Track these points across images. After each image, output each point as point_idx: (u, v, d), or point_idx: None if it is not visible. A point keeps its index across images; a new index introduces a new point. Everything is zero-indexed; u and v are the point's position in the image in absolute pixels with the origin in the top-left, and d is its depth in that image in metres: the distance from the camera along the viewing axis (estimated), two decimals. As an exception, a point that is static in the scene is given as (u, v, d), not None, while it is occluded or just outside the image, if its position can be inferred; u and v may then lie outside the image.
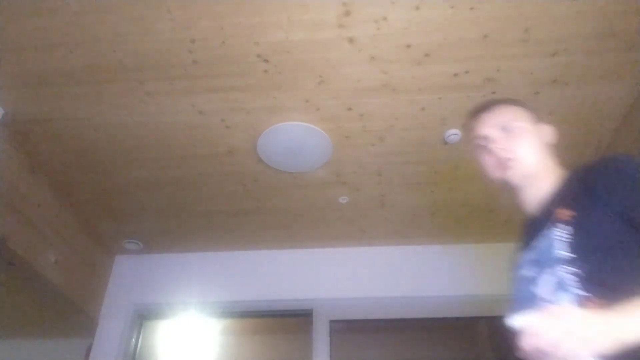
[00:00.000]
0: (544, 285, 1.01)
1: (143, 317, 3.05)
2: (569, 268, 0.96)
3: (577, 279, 0.95)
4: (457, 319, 2.87)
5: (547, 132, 1.21)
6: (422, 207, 2.72)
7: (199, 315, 3.02)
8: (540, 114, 1.25)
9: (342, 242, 3.05)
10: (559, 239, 1.00)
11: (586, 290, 0.92)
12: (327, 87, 2.00)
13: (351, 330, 2.94)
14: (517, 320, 0.83)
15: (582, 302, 0.92)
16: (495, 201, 2.66)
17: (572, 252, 0.97)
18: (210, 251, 3.15)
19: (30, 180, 2.39)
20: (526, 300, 1.04)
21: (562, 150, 2.29)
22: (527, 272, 1.08)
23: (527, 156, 1.14)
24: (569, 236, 0.99)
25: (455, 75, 1.94)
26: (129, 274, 3.12)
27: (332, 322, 2.86)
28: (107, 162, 2.41)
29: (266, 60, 1.89)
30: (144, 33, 1.80)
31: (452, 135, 2.21)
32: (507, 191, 1.20)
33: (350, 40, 1.82)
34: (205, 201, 2.69)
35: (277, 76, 1.96)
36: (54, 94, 2.04)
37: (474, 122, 1.24)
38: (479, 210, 2.73)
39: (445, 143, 2.27)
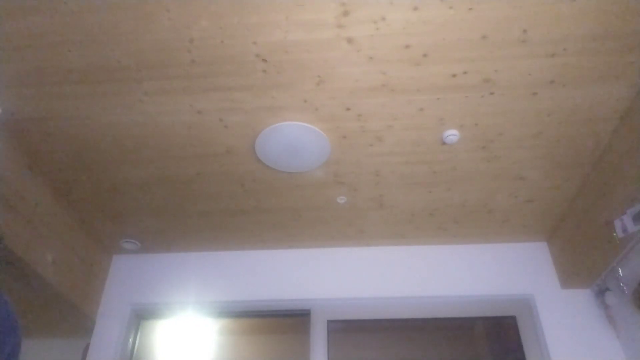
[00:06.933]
0: None
1: (140, 316, 3.05)
2: None
3: None
4: (456, 319, 2.87)
5: None
6: (420, 208, 2.73)
7: (197, 315, 3.02)
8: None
9: (340, 242, 3.05)
10: None
11: None
12: (325, 87, 2.00)
13: (349, 330, 2.94)
14: None
15: None
16: (494, 201, 2.67)
17: None
18: (208, 251, 3.15)
19: (28, 180, 2.38)
20: None
21: (560, 151, 2.31)
22: None
23: None
24: None
25: (454, 75, 1.94)
26: (126, 273, 3.12)
27: (329, 322, 2.86)
28: (105, 162, 2.40)
29: (265, 60, 1.89)
30: (142, 32, 1.80)
31: (450, 135, 2.21)
32: None
33: (349, 40, 1.81)
34: (203, 201, 2.68)
35: (276, 76, 1.96)
36: (51, 93, 2.04)
37: None
38: (477, 210, 2.74)
39: (444, 143, 2.27)
